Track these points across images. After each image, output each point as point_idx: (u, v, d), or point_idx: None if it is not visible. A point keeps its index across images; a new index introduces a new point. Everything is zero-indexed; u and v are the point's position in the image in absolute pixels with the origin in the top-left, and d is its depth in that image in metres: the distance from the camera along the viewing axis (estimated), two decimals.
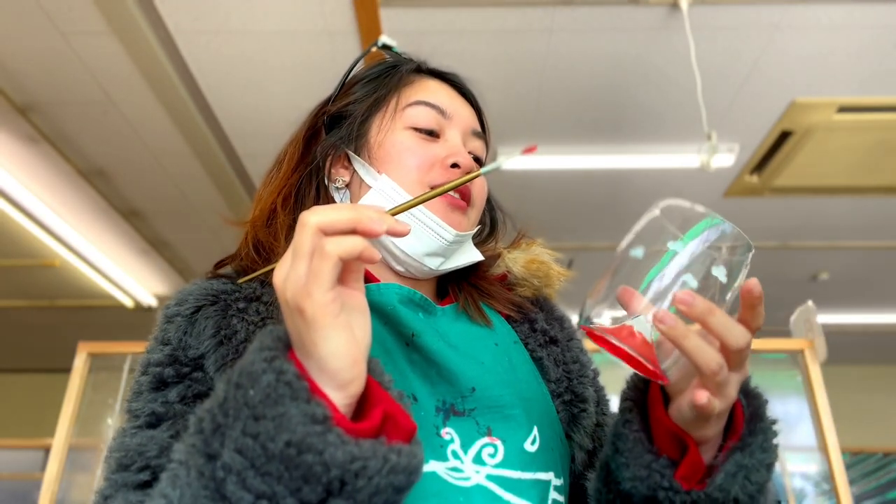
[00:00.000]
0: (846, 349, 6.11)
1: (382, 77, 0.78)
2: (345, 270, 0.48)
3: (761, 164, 3.59)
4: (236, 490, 0.42)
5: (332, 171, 0.76)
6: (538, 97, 3.10)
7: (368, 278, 0.69)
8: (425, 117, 0.74)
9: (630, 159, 3.49)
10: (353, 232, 0.46)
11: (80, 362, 2.15)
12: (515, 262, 0.79)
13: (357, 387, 0.46)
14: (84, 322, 5.55)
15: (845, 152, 3.43)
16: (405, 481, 0.44)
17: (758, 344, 2.57)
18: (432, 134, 0.74)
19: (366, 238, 0.46)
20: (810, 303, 2.25)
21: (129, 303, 5.23)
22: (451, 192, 0.70)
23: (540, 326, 0.75)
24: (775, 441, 0.53)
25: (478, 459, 0.59)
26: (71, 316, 5.54)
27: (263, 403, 0.43)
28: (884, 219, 4.15)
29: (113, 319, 5.40)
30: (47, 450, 3.11)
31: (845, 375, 5.95)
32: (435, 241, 0.69)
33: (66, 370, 2.13)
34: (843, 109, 3.11)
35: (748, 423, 0.53)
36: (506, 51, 2.81)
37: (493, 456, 0.60)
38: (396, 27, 2.63)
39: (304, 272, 0.44)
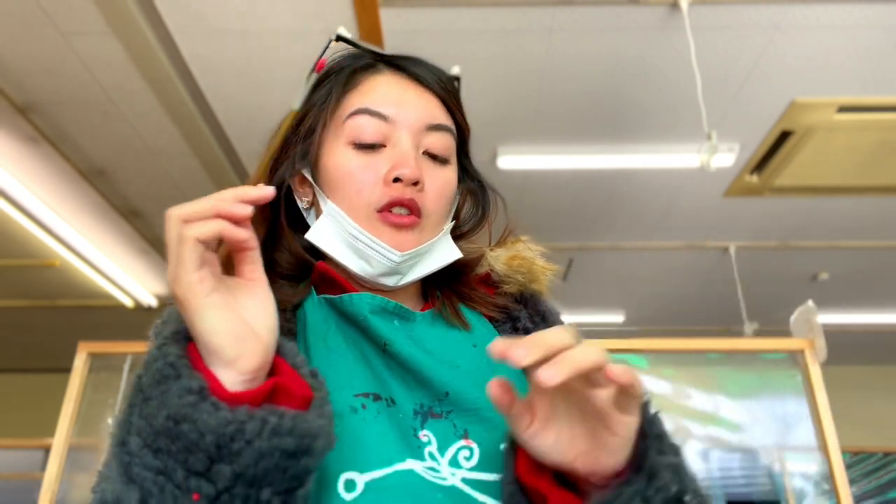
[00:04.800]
0: (846, 349, 6.11)
1: (326, 83, 0.73)
2: (238, 262, 0.52)
3: (761, 164, 3.59)
4: (140, 471, 0.45)
5: (299, 189, 0.74)
6: (538, 97, 3.10)
7: (346, 288, 0.68)
8: (366, 128, 0.68)
9: (630, 159, 3.49)
10: (217, 217, 0.48)
11: (80, 362, 2.14)
12: (497, 259, 0.77)
13: (247, 363, 0.48)
14: (84, 322, 5.54)
15: (845, 152, 3.43)
16: (295, 445, 0.45)
17: (758, 344, 2.57)
18: (376, 146, 0.69)
19: (234, 223, 0.49)
20: (810, 303, 2.24)
21: (129, 303, 5.23)
22: (395, 211, 0.67)
23: (522, 325, 0.74)
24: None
25: (454, 462, 0.60)
26: (71, 316, 5.54)
27: (151, 386, 0.47)
28: (884, 219, 4.15)
29: (113, 319, 5.40)
30: (47, 450, 3.10)
31: (845, 375, 5.94)
32: (384, 264, 0.67)
33: (66, 370, 2.13)
34: (844, 109, 3.11)
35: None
36: (506, 51, 2.81)
37: (468, 459, 0.60)
38: (396, 27, 2.63)
39: (173, 260, 0.47)
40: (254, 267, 0.52)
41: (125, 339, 2.27)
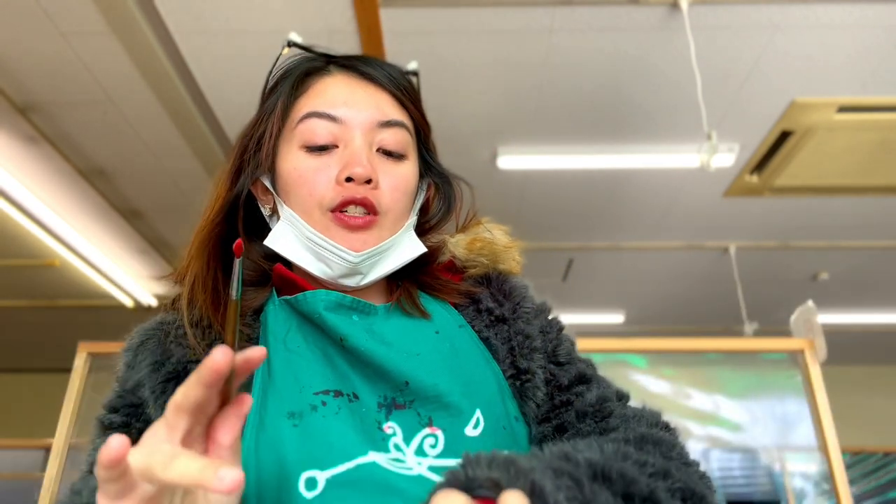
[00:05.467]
0: (846, 349, 6.11)
1: (278, 90, 0.74)
2: (212, 428, 0.46)
3: (761, 164, 3.59)
4: None
5: (262, 197, 0.74)
6: (538, 97, 3.10)
7: (304, 288, 0.68)
8: (317, 131, 0.69)
9: (630, 159, 3.49)
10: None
11: (80, 362, 2.14)
12: (457, 245, 0.77)
13: None
14: (84, 322, 5.54)
15: (845, 152, 3.43)
16: None
17: (758, 344, 2.58)
18: (328, 147, 0.69)
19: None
20: (810, 303, 2.24)
21: (129, 303, 5.23)
22: (350, 212, 0.66)
23: (485, 306, 0.73)
24: None
25: (420, 451, 0.60)
26: (71, 316, 5.54)
27: None
28: (884, 219, 4.15)
29: (113, 319, 5.40)
30: (47, 450, 3.09)
31: (845, 375, 5.95)
32: (342, 265, 0.67)
33: (66, 370, 2.13)
34: (843, 109, 3.11)
35: None
36: (506, 51, 2.81)
37: (434, 447, 0.60)
38: (396, 27, 2.63)
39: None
40: (227, 432, 0.46)
41: (125, 339, 2.27)
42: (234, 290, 0.49)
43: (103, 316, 5.43)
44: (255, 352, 0.46)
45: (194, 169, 3.56)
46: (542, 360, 0.70)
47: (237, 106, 3.12)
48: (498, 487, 0.43)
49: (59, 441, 2.04)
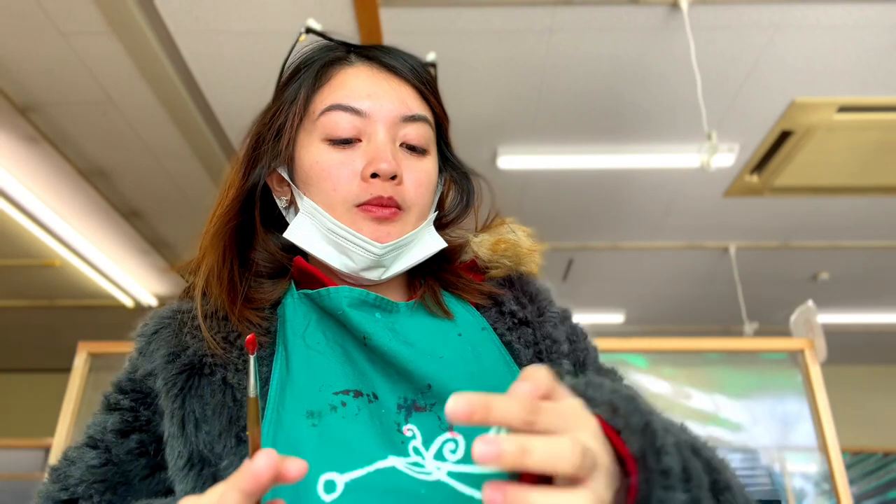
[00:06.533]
0: (846, 349, 6.11)
1: (297, 79, 0.72)
2: None
3: (761, 164, 3.59)
4: None
5: (277, 188, 0.73)
6: (538, 97, 3.10)
7: (325, 283, 0.67)
8: (340, 124, 0.67)
9: (630, 159, 3.49)
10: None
11: (80, 362, 2.14)
12: (481, 245, 0.76)
13: None
14: (84, 322, 5.54)
15: (845, 152, 3.43)
16: None
17: (758, 344, 2.58)
18: (351, 141, 0.68)
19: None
20: (810, 303, 2.24)
21: (129, 303, 5.23)
22: (372, 206, 0.66)
23: (508, 308, 0.71)
24: None
25: (439, 456, 0.59)
26: (71, 316, 5.54)
27: None
28: (884, 219, 4.15)
29: (113, 319, 5.40)
30: (47, 450, 3.09)
31: (845, 375, 5.95)
32: (366, 257, 0.66)
33: (66, 370, 2.13)
34: (843, 109, 3.11)
35: None
36: (506, 51, 2.81)
37: (454, 452, 0.59)
38: (396, 27, 2.63)
39: None
40: None
41: (125, 339, 2.27)
42: (252, 388, 0.47)
43: (103, 316, 5.43)
44: (296, 465, 0.40)
45: (194, 169, 3.56)
46: (570, 367, 0.69)
47: (237, 106, 3.12)
48: (615, 413, 0.43)
49: (59, 441, 2.03)
